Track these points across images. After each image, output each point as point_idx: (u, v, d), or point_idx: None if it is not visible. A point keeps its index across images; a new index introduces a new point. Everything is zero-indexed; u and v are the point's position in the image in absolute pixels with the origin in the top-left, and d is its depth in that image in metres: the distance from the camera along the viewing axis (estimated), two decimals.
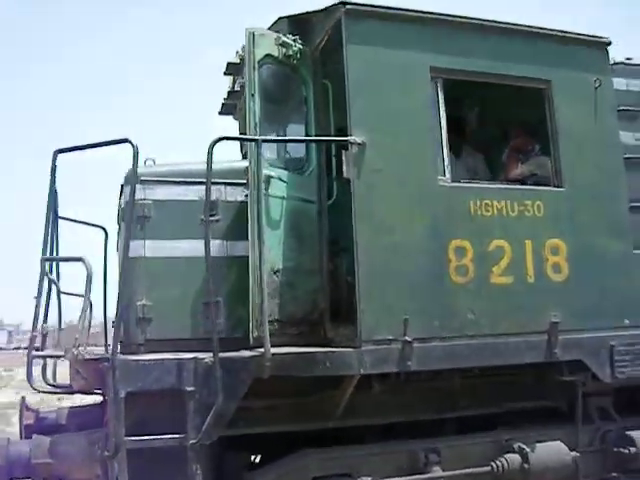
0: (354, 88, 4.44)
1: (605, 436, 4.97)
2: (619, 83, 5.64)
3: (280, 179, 4.61)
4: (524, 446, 4.57)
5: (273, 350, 4.05)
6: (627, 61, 5.76)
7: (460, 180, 4.75)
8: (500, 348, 4.51)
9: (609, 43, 5.14)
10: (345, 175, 4.40)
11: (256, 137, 4.27)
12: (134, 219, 4.62)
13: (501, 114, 5.81)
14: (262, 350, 4.01)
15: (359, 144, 4.34)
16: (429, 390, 4.82)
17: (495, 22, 4.84)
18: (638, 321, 4.91)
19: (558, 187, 4.87)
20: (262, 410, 4.53)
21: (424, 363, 4.33)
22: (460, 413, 4.87)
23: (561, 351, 4.62)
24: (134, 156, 4.12)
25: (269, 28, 5.16)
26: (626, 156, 5.47)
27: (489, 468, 4.53)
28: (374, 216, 4.34)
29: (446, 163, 4.64)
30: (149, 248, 4.60)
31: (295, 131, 5.44)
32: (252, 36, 4.63)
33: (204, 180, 4.50)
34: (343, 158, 4.40)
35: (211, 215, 4.68)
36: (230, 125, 6.88)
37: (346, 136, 4.41)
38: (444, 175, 4.61)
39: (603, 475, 4.99)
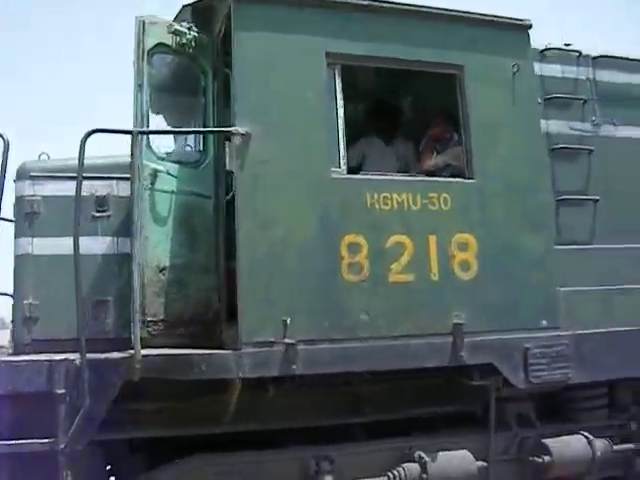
0: (241, 76, 4.22)
1: (522, 444, 4.65)
2: (554, 70, 5.34)
3: (169, 173, 4.41)
4: (424, 455, 4.28)
5: (147, 352, 3.88)
6: (563, 47, 5.42)
7: (360, 172, 4.49)
8: (398, 351, 4.22)
9: (530, 26, 4.82)
10: (228, 167, 4.21)
11: (131, 129, 4.07)
12: (22, 216, 4.52)
13: (432, 102, 5.53)
14: (132, 351, 3.83)
15: (243, 134, 4.11)
16: (332, 395, 4.57)
17: (401, 4, 4.56)
18: (556, 322, 4.58)
19: (469, 179, 4.56)
20: (153, 413, 4.35)
21: (311, 367, 4.07)
22: (364, 419, 4.60)
23: (468, 354, 4.32)
24: (4, 151, 3.96)
25: (175, 17, 4.98)
26: (560, 146, 5.18)
27: (385, 478, 4.26)
28: (259, 210, 4.10)
29: (342, 154, 4.37)
30: (37, 245, 4.48)
31: (198, 123, 5.22)
32: (142, 24, 4.44)
33: (92, 175, 4.39)
34: (226, 149, 4.19)
35: (102, 211, 4.58)
36: None
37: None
38: (339, 167, 4.35)
39: None
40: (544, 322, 4.54)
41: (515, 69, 4.69)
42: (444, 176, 4.75)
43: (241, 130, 4.11)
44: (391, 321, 4.24)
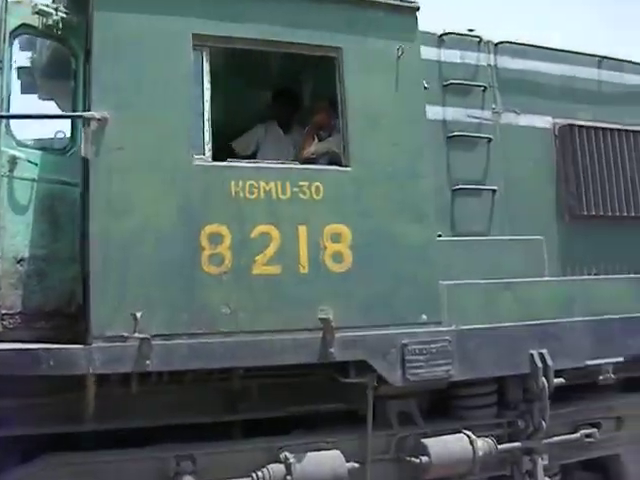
0: (99, 58, 4.02)
1: (401, 443, 4.47)
2: (452, 55, 5.17)
3: (29, 161, 4.22)
4: (290, 456, 4.10)
5: None
6: (463, 32, 5.23)
7: (228, 159, 4.29)
8: (262, 347, 4.03)
9: (417, 8, 4.61)
10: (82, 154, 4.01)
11: None
12: None
13: (327, 89, 5.34)
14: None
15: (99, 120, 3.92)
16: (204, 391, 4.41)
17: None
18: (438, 317, 4.40)
19: (345, 167, 4.37)
20: (18, 410, 4.18)
21: (167, 362, 3.88)
22: (237, 416, 4.44)
23: (339, 351, 4.13)
24: None
25: None
26: (456, 134, 5.01)
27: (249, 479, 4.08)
28: (112, 199, 3.90)
29: (207, 140, 4.17)
30: None
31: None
32: (5, 3, 4.24)
33: None
34: (82, 135, 4.00)
35: None
36: None
37: None
38: (203, 153, 4.15)
39: None
40: (424, 317, 4.36)
41: (399, 52, 4.49)
42: (322, 164, 4.56)
43: (97, 115, 3.92)
44: (254, 315, 4.05)
